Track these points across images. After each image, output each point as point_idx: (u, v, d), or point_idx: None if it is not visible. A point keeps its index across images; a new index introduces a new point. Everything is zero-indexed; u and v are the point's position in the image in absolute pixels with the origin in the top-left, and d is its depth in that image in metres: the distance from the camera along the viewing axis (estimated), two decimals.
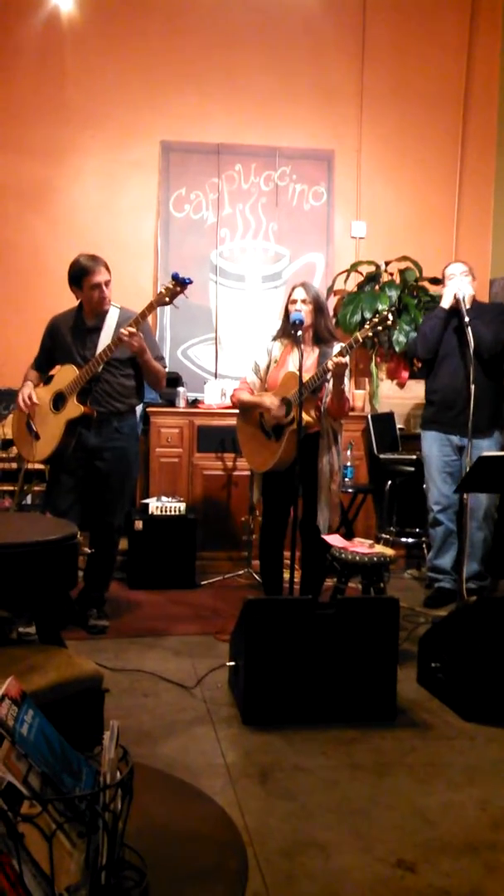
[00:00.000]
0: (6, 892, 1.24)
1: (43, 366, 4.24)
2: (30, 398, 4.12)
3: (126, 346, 3.87)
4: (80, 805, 1.28)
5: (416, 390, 5.63)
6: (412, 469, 5.13)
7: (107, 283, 4.00)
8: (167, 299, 3.80)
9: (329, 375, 3.87)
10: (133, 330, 3.82)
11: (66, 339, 4.09)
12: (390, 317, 3.77)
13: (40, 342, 4.24)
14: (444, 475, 4.68)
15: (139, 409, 5.20)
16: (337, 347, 4.03)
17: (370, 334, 3.81)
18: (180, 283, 3.75)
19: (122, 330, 3.83)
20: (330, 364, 3.77)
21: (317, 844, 2.35)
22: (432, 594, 4.74)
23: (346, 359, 3.79)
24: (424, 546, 5.27)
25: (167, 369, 5.77)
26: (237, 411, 4.33)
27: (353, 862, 2.27)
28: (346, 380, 3.92)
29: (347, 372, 3.90)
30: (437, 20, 6.21)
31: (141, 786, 1.38)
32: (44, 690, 2.35)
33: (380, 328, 3.79)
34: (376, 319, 3.79)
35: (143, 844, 1.40)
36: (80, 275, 3.98)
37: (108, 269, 4.02)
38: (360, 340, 3.83)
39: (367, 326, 3.81)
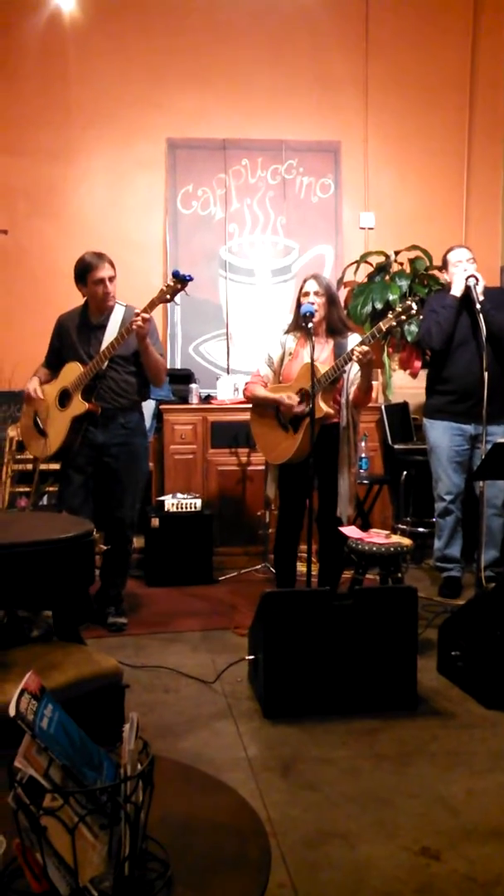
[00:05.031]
0: (31, 884, 1.25)
1: (53, 364, 4.26)
2: (35, 391, 4.14)
3: (136, 332, 3.85)
4: (101, 797, 1.29)
5: None
6: (426, 459, 5.10)
7: (111, 279, 4.01)
8: (168, 297, 3.80)
9: (349, 366, 3.86)
10: (147, 316, 3.81)
11: (72, 336, 4.11)
12: (414, 307, 3.70)
13: (49, 342, 4.26)
14: (454, 465, 4.64)
15: (152, 406, 5.23)
16: (353, 337, 4.02)
17: (394, 324, 3.76)
18: (181, 280, 3.75)
19: (135, 318, 3.82)
20: (354, 354, 3.75)
21: (340, 834, 2.35)
22: (444, 584, 4.72)
23: (368, 347, 3.76)
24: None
25: (179, 366, 5.83)
26: (250, 405, 4.31)
27: (378, 851, 2.27)
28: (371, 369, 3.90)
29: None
30: (440, 7, 6.16)
31: (162, 778, 1.39)
32: (64, 687, 2.37)
33: (404, 318, 3.74)
34: (400, 309, 3.74)
35: (165, 836, 1.40)
36: (85, 271, 4.00)
37: (112, 265, 4.02)
38: (384, 330, 3.78)
39: (390, 316, 3.76)
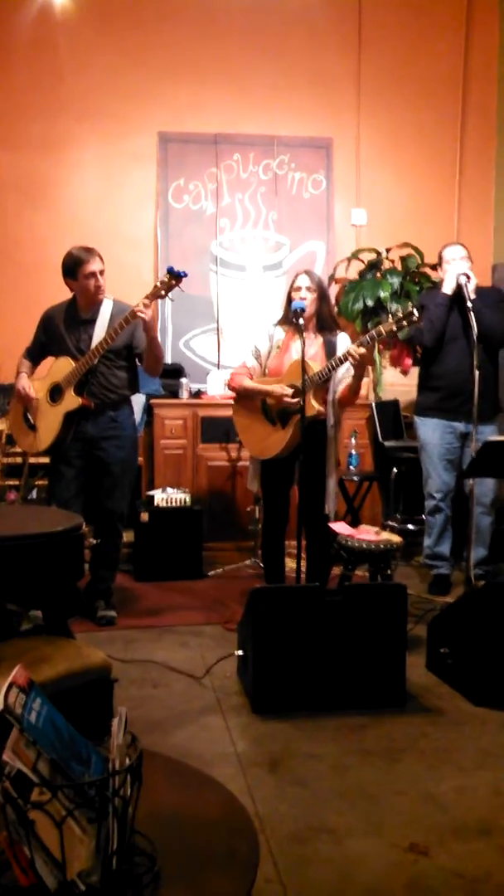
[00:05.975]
0: (18, 878, 1.24)
1: (35, 357, 4.26)
2: (28, 390, 4.12)
3: (142, 319, 3.82)
4: (89, 791, 1.28)
5: None
6: (417, 456, 5.11)
7: (101, 273, 4.01)
8: (162, 293, 3.79)
9: (343, 366, 3.84)
10: (146, 301, 3.80)
11: (61, 331, 4.10)
12: (416, 313, 3.67)
13: (34, 333, 4.25)
14: (445, 462, 4.64)
15: (142, 401, 5.21)
16: (342, 335, 4.02)
17: (394, 328, 3.72)
18: (175, 277, 3.74)
19: (138, 304, 3.80)
20: (350, 355, 3.73)
21: (328, 830, 2.35)
22: (433, 581, 4.73)
23: (364, 350, 3.74)
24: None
25: (169, 361, 5.81)
26: (234, 397, 4.27)
27: (366, 847, 2.27)
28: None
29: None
30: (433, 4, 6.17)
31: (150, 773, 1.38)
32: (53, 681, 2.35)
33: (404, 323, 3.71)
34: (401, 314, 3.70)
35: (153, 830, 1.40)
36: (75, 265, 3.99)
37: (101, 258, 4.02)
38: (383, 334, 3.75)
39: (390, 320, 3.71)
